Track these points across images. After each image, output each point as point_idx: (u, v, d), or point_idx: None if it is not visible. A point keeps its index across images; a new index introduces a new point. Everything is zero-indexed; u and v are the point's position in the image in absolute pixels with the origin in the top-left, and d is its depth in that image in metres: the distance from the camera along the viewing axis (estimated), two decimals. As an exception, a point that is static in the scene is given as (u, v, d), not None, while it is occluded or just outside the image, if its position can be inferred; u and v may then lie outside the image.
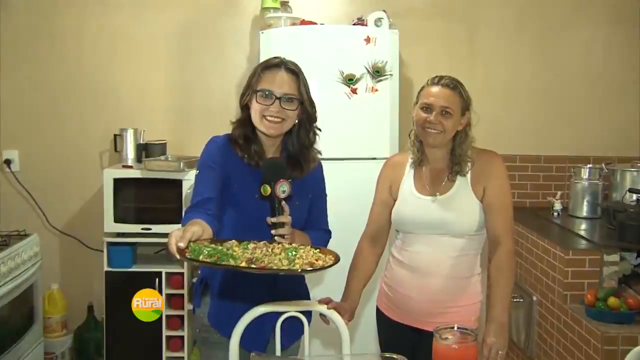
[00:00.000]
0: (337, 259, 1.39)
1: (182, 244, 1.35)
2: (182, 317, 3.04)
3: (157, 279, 2.96)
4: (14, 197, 3.31)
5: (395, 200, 1.95)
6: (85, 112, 3.34)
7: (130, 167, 3.11)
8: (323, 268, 1.35)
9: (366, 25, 2.98)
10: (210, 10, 3.37)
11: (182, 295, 3.02)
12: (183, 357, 3.05)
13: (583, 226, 2.99)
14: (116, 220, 3.00)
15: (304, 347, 1.83)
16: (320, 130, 1.83)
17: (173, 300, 3.03)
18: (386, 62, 2.87)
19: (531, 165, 3.44)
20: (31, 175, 3.30)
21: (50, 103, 3.33)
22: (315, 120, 1.80)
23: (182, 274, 3.01)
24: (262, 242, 1.45)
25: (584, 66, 3.48)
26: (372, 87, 2.88)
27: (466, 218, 1.85)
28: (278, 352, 1.77)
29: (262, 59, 2.08)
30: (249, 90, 1.74)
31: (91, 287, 3.27)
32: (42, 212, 3.30)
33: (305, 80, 1.76)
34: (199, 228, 1.42)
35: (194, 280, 2.94)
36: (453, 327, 1.48)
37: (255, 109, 1.72)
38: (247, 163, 1.73)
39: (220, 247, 1.38)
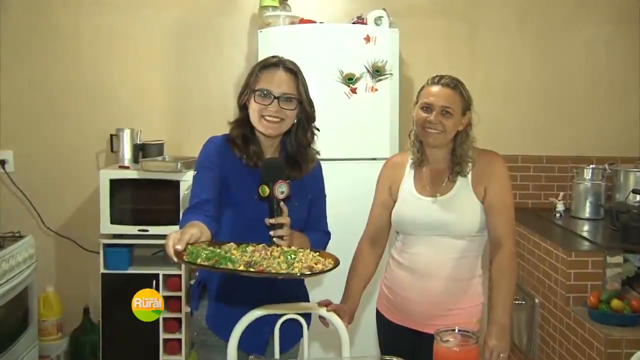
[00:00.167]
0: (336, 263, 1.39)
1: (179, 247, 1.34)
2: (179, 319, 3.02)
3: (154, 281, 2.94)
4: (9, 198, 3.29)
5: (395, 201, 1.94)
6: (81, 112, 3.32)
7: (127, 167, 3.10)
8: (322, 272, 1.34)
9: (366, 24, 2.97)
10: (208, 9, 3.36)
11: (180, 297, 3.00)
12: (180, 360, 3.03)
13: (586, 227, 2.98)
14: (112, 222, 2.98)
15: (303, 350, 1.82)
16: (318, 130, 1.82)
17: (170, 303, 3.00)
18: (386, 61, 2.86)
19: (533, 165, 3.43)
20: (26, 176, 3.27)
21: (45, 103, 3.31)
22: (314, 120, 1.79)
23: (179, 276, 3.00)
24: (260, 245, 1.45)
25: (586, 65, 3.47)
26: (372, 87, 2.87)
27: (467, 219, 1.84)
28: (277, 355, 1.76)
29: (261, 58, 2.06)
30: (247, 90, 1.74)
31: (87, 289, 3.26)
32: (37, 213, 3.28)
33: (304, 79, 1.75)
34: (197, 230, 1.41)
35: (192, 282, 2.91)
36: (454, 330, 1.47)
37: (254, 108, 1.71)
38: (246, 163, 1.72)
39: (218, 250, 1.38)
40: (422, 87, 1.90)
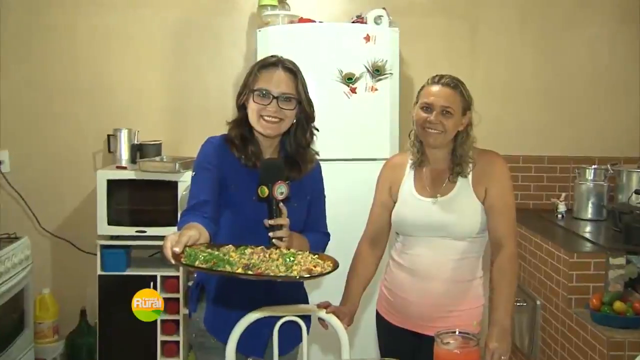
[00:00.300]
0: (335, 266, 1.38)
1: (177, 249, 1.33)
2: (177, 321, 3.01)
3: (151, 283, 2.92)
4: (4, 198, 3.27)
5: (395, 202, 1.93)
6: (78, 112, 3.31)
7: (125, 168, 3.10)
8: (321, 275, 1.33)
9: (366, 23, 2.97)
10: (206, 8, 3.35)
11: (178, 299, 2.99)
12: (178, 363, 3.02)
13: (588, 228, 2.97)
14: (110, 223, 2.97)
15: (302, 352, 1.81)
16: (318, 130, 1.81)
17: (168, 305, 2.99)
18: (386, 60, 2.85)
19: (534, 166, 3.42)
20: (22, 177, 3.25)
21: (42, 102, 3.29)
22: (313, 120, 1.78)
23: (177, 277, 2.99)
24: (259, 248, 1.44)
25: (587, 65, 3.46)
26: (372, 86, 2.86)
27: (467, 220, 1.83)
28: (276, 358, 1.75)
29: (260, 57, 2.06)
30: (246, 90, 1.73)
31: (84, 291, 3.24)
32: (33, 215, 3.26)
33: (303, 79, 1.74)
34: (196, 232, 1.41)
35: (190, 284, 2.90)
36: (455, 332, 1.46)
37: (253, 108, 1.70)
38: (244, 164, 1.71)
39: (216, 253, 1.37)
40: (422, 87, 1.89)
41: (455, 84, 1.85)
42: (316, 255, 1.41)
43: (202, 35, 3.34)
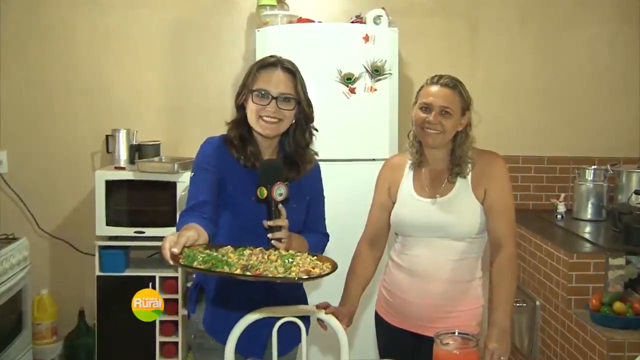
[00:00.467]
0: (334, 267, 1.37)
1: (176, 250, 1.33)
2: (176, 322, 3.00)
3: (150, 284, 2.91)
4: (2, 199, 3.26)
5: (394, 203, 1.93)
6: (76, 112, 3.30)
7: (123, 168, 3.09)
8: (320, 276, 1.32)
9: (365, 23, 2.96)
10: (205, 8, 3.34)
11: (176, 300, 2.98)
12: (177, 364, 3.01)
13: (588, 229, 2.97)
14: (108, 224, 2.96)
15: (301, 353, 1.80)
16: (317, 130, 1.80)
17: (167, 306, 2.96)
18: (385, 60, 2.84)
19: (534, 166, 3.42)
20: (20, 177, 3.25)
21: (40, 102, 3.29)
22: (312, 120, 1.78)
23: (176, 278, 2.98)
24: (258, 249, 1.43)
25: (587, 65, 3.46)
26: (371, 87, 2.85)
27: (467, 221, 1.83)
28: (275, 359, 1.74)
29: (258, 57, 2.05)
30: (245, 90, 1.72)
31: (82, 292, 3.23)
32: (31, 215, 3.25)
33: (302, 79, 1.74)
34: (194, 233, 1.41)
35: (189, 284, 2.89)
36: (454, 333, 1.46)
37: (251, 109, 1.70)
38: (243, 164, 1.71)
39: (215, 254, 1.36)
40: (421, 87, 1.89)
41: (454, 84, 1.84)
42: (315, 257, 1.41)
43: (200, 35, 3.34)
